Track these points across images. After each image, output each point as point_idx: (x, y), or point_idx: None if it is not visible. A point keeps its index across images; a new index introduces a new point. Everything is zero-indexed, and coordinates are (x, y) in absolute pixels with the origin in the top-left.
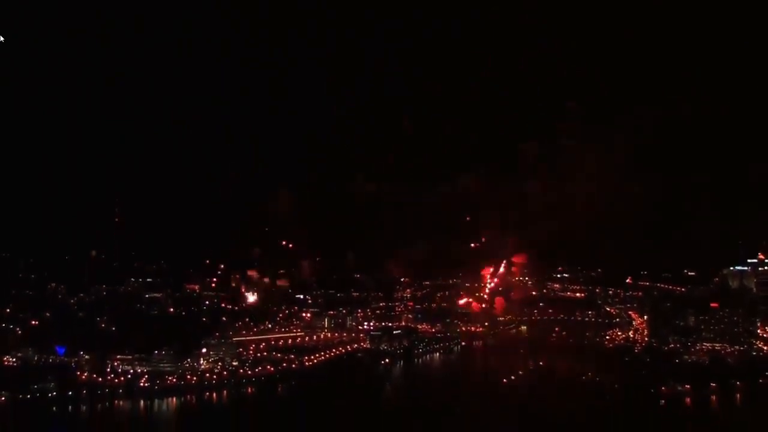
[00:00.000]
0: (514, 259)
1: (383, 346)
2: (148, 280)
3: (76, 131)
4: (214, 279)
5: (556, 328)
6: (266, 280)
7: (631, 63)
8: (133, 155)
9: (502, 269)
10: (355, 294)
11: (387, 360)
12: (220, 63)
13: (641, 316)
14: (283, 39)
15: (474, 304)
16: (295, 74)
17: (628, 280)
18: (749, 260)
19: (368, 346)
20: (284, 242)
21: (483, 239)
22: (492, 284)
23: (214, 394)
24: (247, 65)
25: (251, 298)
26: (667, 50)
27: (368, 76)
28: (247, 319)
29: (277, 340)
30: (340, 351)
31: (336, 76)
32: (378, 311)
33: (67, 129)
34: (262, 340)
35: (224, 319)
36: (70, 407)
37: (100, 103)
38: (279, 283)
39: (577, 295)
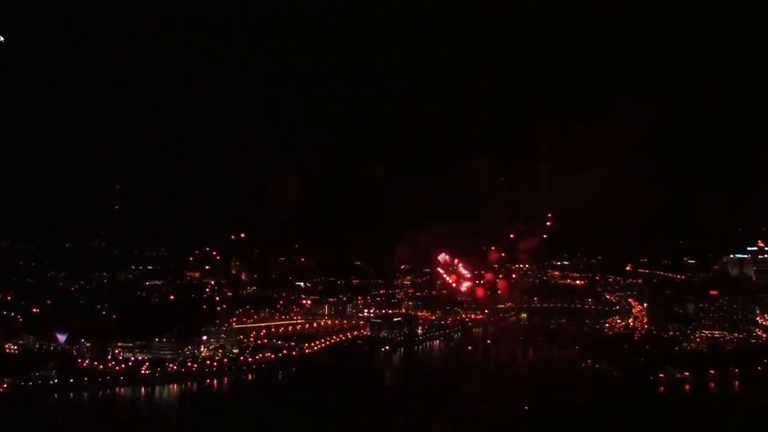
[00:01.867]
0: (514, 247)
1: (383, 334)
2: (148, 267)
3: (76, 120)
4: (215, 266)
5: (556, 316)
6: (267, 266)
7: (633, 53)
8: (132, 142)
9: (502, 256)
10: (355, 281)
11: (387, 347)
12: (221, 51)
13: (641, 304)
14: (286, 25)
15: (478, 290)
16: (294, 62)
17: (627, 268)
18: (749, 248)
19: (368, 333)
20: (285, 229)
21: (484, 227)
22: (492, 272)
23: (215, 381)
24: (248, 52)
25: (252, 285)
26: (667, 41)
27: (368, 64)
28: (247, 306)
29: (277, 327)
30: (341, 338)
31: (336, 61)
32: (378, 298)
33: (66, 118)
34: (262, 328)
35: (225, 306)
36: (71, 394)
37: (98, 91)
38: (279, 269)
39: (577, 282)
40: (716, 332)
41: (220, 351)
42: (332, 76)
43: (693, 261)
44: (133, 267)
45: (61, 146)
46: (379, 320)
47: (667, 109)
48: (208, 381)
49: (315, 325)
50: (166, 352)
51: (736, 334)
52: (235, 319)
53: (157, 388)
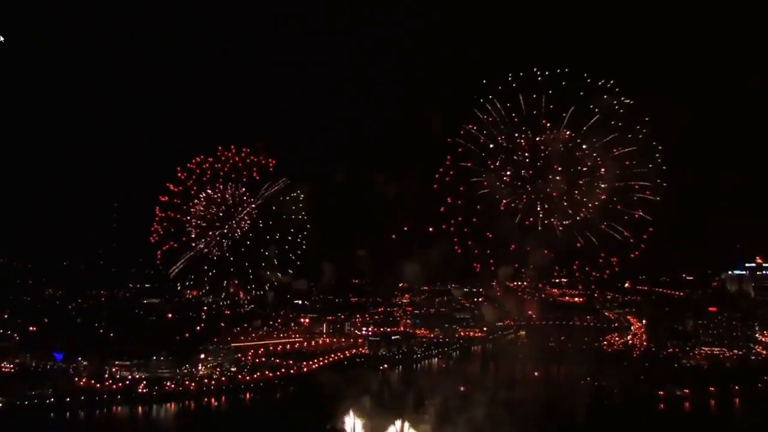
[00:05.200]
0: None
1: (382, 352)
2: (146, 285)
3: (74, 135)
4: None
5: (555, 333)
6: (265, 284)
7: (634, 63)
8: (131, 158)
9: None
10: (353, 299)
11: (385, 365)
12: (224, 57)
13: (640, 321)
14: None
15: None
16: (302, 70)
17: (626, 285)
18: (747, 264)
19: (367, 351)
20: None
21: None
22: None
23: (213, 400)
24: (253, 56)
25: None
26: (670, 45)
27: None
28: (245, 325)
29: (275, 345)
30: (339, 356)
31: (342, 73)
32: (377, 316)
33: (64, 133)
34: (260, 346)
35: (223, 324)
36: (68, 413)
37: (98, 106)
38: (278, 287)
39: (576, 299)
40: (715, 349)
41: (218, 369)
42: (338, 86)
43: (692, 278)
44: (130, 285)
45: (59, 162)
46: (378, 338)
47: (668, 123)
48: (206, 400)
49: (313, 343)
50: (163, 371)
51: (735, 351)
52: (233, 336)
53: (155, 406)
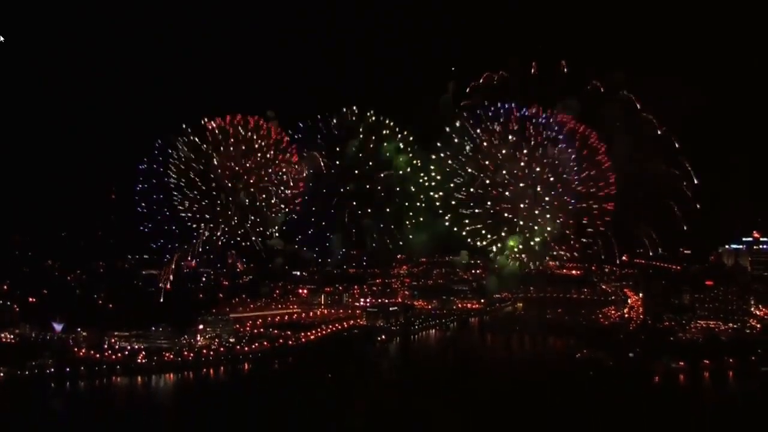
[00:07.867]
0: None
1: (379, 323)
2: (144, 256)
3: (69, 109)
4: (211, 256)
5: (552, 306)
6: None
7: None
8: (128, 130)
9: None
10: (351, 270)
11: (383, 336)
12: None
13: (636, 294)
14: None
15: None
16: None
17: (623, 258)
18: (744, 239)
19: (364, 322)
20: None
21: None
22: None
23: (211, 370)
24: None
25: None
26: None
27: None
28: (243, 296)
29: (273, 316)
30: (337, 327)
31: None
32: (375, 288)
33: (60, 107)
34: (258, 317)
35: (221, 295)
36: (67, 383)
37: (91, 82)
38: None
39: (574, 272)
40: (711, 322)
41: (216, 340)
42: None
43: (688, 251)
44: (129, 256)
45: (56, 135)
46: (375, 309)
47: (663, 99)
48: (204, 370)
49: (311, 314)
50: (162, 342)
51: (731, 325)
52: (231, 307)
53: (154, 377)
